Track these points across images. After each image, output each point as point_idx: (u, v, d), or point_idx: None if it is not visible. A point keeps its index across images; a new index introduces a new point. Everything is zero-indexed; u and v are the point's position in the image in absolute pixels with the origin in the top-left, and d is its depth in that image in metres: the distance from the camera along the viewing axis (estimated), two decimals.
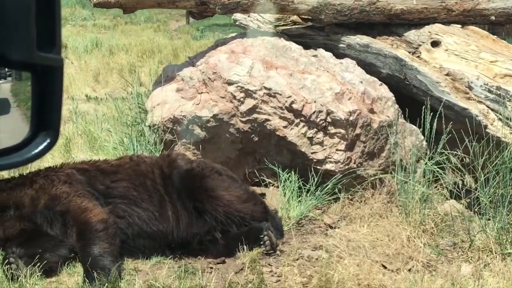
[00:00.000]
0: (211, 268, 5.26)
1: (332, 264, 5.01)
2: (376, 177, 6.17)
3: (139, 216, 5.41)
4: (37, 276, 4.76)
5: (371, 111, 6.23)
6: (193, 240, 5.52)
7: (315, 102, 6.10)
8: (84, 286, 4.68)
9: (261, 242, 5.40)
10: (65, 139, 9.00)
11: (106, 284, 4.65)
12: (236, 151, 6.76)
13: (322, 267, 5.01)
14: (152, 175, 5.68)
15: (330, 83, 6.22)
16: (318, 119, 6.09)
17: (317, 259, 5.34)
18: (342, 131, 6.05)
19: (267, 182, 6.57)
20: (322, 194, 6.14)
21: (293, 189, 6.23)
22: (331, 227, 5.91)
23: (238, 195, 5.71)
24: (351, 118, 6.06)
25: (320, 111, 6.08)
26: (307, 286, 4.84)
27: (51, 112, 1.67)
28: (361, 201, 6.17)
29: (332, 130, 6.10)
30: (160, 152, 7.05)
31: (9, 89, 2.71)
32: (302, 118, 6.14)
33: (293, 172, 6.32)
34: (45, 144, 1.67)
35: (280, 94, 6.18)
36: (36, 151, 1.66)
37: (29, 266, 4.76)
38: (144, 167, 5.76)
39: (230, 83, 6.49)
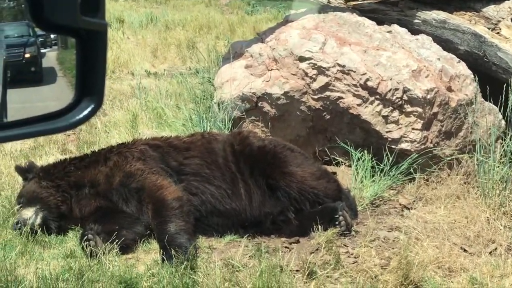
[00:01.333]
0: (287, 247, 5.19)
1: (410, 246, 4.88)
2: (453, 157, 5.98)
3: (212, 194, 5.37)
4: (115, 253, 4.77)
5: (449, 89, 6.03)
6: (266, 220, 5.46)
7: (391, 79, 5.94)
8: (162, 263, 4.67)
9: (336, 222, 5.29)
10: (131, 115, 9.04)
11: (185, 262, 4.63)
12: (307, 129, 6.66)
13: (401, 249, 4.88)
14: (224, 153, 5.63)
15: (406, 60, 6.04)
16: (394, 97, 5.93)
17: (393, 240, 5.22)
18: (419, 109, 5.88)
19: (338, 160, 6.46)
20: (397, 174, 5.99)
21: (366, 169, 6.09)
22: (406, 208, 5.77)
23: (311, 171, 5.62)
24: (428, 96, 5.87)
25: (396, 89, 5.91)
26: (385, 268, 4.72)
27: (95, 77, 1.69)
28: (437, 182, 6.01)
29: (408, 108, 5.93)
30: (229, 130, 7.01)
31: (55, 58, 2.89)
32: (377, 96, 5.98)
33: (366, 151, 6.17)
34: (89, 109, 1.70)
35: (354, 71, 6.03)
36: (81, 116, 1.71)
37: (107, 243, 4.78)
38: (215, 144, 5.71)
39: (302, 60, 6.37)
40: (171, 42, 14.67)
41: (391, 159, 5.93)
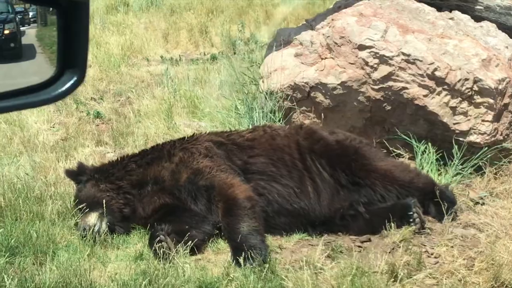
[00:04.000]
0: (359, 247, 4.99)
1: (491, 245, 4.67)
2: None
3: (279, 193, 5.16)
4: (185, 254, 4.58)
5: None
6: (335, 216, 5.25)
7: (460, 69, 5.69)
8: (237, 265, 4.47)
9: (410, 220, 5.07)
10: (166, 104, 8.81)
11: (260, 264, 4.44)
12: (363, 120, 6.43)
13: (483, 248, 4.68)
14: (289, 149, 5.41)
15: (475, 48, 5.79)
16: (464, 88, 5.69)
17: (471, 238, 5.00)
18: (490, 100, 5.64)
19: (398, 152, 6.23)
20: (466, 168, 5.76)
21: (432, 162, 5.87)
22: (477, 203, 5.54)
23: (395, 164, 5.45)
24: (500, 87, 5.64)
25: (466, 79, 5.67)
26: (471, 269, 4.51)
27: (77, 49, 1.67)
28: (507, 175, 5.78)
29: (478, 99, 5.69)
30: (279, 121, 6.78)
31: (34, 35, 2.95)
32: (445, 87, 5.74)
33: (429, 144, 5.95)
34: (71, 82, 1.70)
35: (421, 61, 5.78)
36: (63, 89, 1.70)
37: (178, 244, 4.57)
38: (279, 140, 5.49)
39: (361, 48, 6.12)
40: (181, 27, 14.25)
41: (458, 152, 5.70)
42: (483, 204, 5.52)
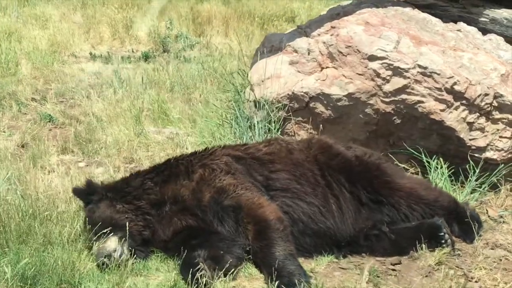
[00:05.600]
0: (393, 270, 4.74)
1: None
2: None
3: (303, 212, 4.84)
4: (221, 281, 4.20)
5: None
6: (359, 236, 4.99)
7: (479, 84, 5.54)
8: None
9: (443, 241, 4.88)
10: (136, 110, 8.33)
11: None
12: (367, 133, 6.20)
13: None
14: (309, 165, 5.11)
15: (492, 63, 5.66)
16: (483, 103, 5.54)
17: (505, 259, 4.84)
18: (510, 116, 5.51)
19: (402, 167, 6.02)
20: (483, 185, 5.62)
21: (445, 178, 5.70)
22: (496, 221, 5.41)
23: (418, 182, 5.24)
24: None
25: (486, 94, 5.53)
26: None
27: None
28: None
29: (497, 115, 5.56)
30: (277, 131, 6.47)
31: None
32: (464, 101, 5.57)
33: (441, 159, 5.78)
34: None
35: (438, 74, 5.60)
36: None
37: (215, 270, 4.19)
38: (297, 154, 5.18)
39: (372, 59, 5.89)
40: (101, 21, 13.58)
41: (477, 169, 5.55)
42: (502, 222, 5.39)
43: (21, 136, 7.26)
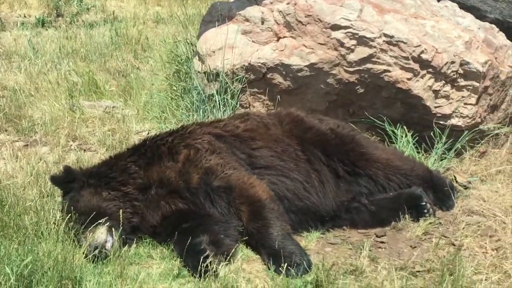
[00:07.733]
0: (382, 242, 4.72)
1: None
2: (500, 131, 5.81)
3: (288, 189, 4.73)
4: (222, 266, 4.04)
5: (496, 61, 5.80)
6: (341, 209, 4.94)
7: (445, 52, 5.57)
8: (284, 275, 4.00)
9: (425, 211, 4.91)
10: (69, 84, 7.87)
11: (306, 271, 4.06)
12: (327, 103, 6.14)
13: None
14: (288, 140, 4.97)
15: (455, 30, 5.70)
16: (450, 71, 5.58)
17: (480, 225, 4.90)
18: (475, 83, 5.59)
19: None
20: (446, 151, 5.70)
21: (410, 147, 5.73)
22: (465, 187, 5.50)
23: (392, 152, 5.23)
24: (484, 70, 5.60)
25: (453, 62, 5.57)
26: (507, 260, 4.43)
27: None
28: (481, 157, 5.81)
29: (462, 82, 5.62)
30: (236, 104, 6.28)
31: None
32: (430, 69, 5.60)
33: (405, 127, 5.80)
34: None
35: (405, 43, 5.58)
36: None
37: (217, 256, 4.03)
38: (274, 130, 5.04)
39: (335, 28, 5.79)
40: None
41: (444, 136, 5.62)
42: (472, 188, 5.48)
43: None
